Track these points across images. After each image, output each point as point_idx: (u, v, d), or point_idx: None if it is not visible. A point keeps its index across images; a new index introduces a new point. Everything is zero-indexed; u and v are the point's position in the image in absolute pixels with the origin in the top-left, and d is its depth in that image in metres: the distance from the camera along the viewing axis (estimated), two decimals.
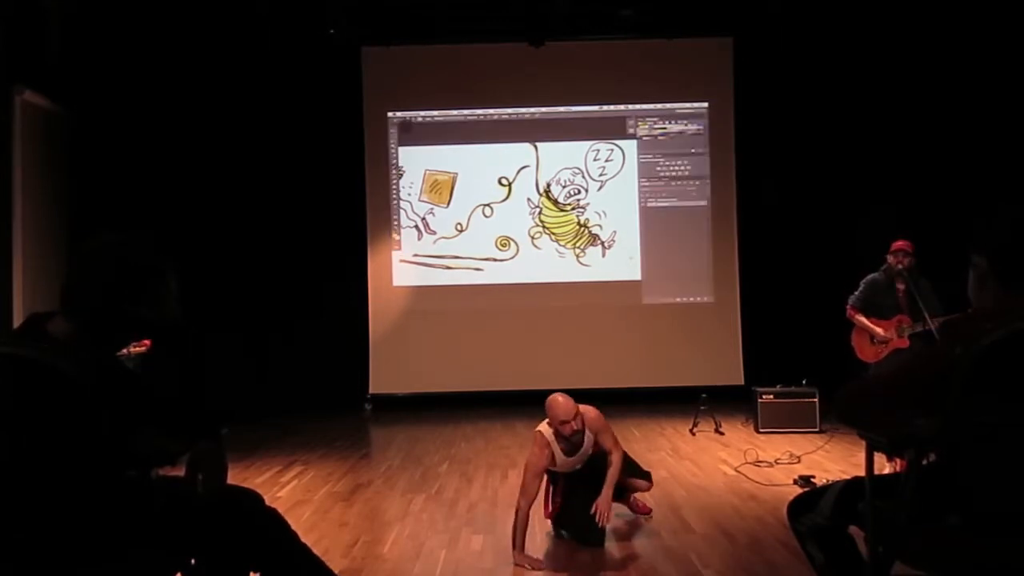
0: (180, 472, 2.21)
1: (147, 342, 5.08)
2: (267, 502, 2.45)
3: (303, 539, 2.41)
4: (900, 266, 5.48)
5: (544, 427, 4.20)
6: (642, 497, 4.71)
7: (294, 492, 5.52)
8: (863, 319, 5.68)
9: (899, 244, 5.54)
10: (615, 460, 4.27)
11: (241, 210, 8.75)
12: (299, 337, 8.98)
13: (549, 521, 4.42)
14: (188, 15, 8.03)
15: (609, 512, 4.13)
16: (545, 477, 4.30)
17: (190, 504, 2.19)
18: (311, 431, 7.83)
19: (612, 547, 4.19)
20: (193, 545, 2.24)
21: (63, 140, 7.93)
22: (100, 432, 1.97)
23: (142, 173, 8.15)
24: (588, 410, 4.25)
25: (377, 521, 4.88)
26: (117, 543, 2.04)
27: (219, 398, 7.46)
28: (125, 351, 3.72)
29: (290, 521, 2.42)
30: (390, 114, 9.44)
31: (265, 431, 7.72)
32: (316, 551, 2.46)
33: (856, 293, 5.75)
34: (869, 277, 5.72)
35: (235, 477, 2.49)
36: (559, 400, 4.15)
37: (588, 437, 4.23)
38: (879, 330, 5.60)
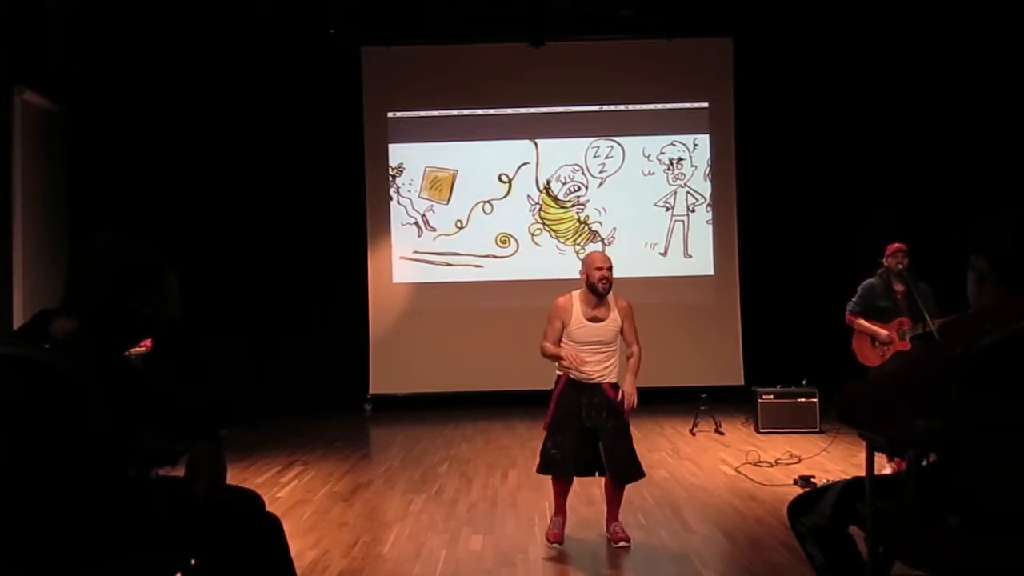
0: (180, 472, 2.22)
1: (147, 342, 5.08)
2: (267, 502, 2.45)
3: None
4: (900, 266, 5.48)
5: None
6: (622, 528, 4.30)
7: (294, 492, 5.51)
8: (864, 323, 5.66)
9: (897, 245, 5.53)
10: (636, 352, 4.38)
11: (241, 210, 8.75)
12: (299, 337, 8.98)
13: (549, 540, 4.32)
14: (188, 15, 8.03)
15: (634, 397, 4.24)
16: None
17: (190, 504, 2.19)
18: (311, 431, 7.83)
19: (612, 547, 4.19)
20: (193, 545, 2.24)
21: (63, 140, 7.93)
22: (101, 432, 1.97)
23: (142, 173, 8.15)
24: (623, 298, 4.36)
25: (377, 521, 4.87)
26: (117, 543, 2.04)
27: (225, 398, 7.45)
28: (127, 352, 3.70)
29: (290, 521, 2.43)
30: (390, 114, 9.43)
31: (265, 431, 7.72)
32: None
33: (854, 299, 5.71)
34: (866, 282, 5.68)
35: (235, 477, 2.49)
36: (598, 251, 4.65)
37: (613, 313, 4.28)
38: (883, 332, 5.58)
